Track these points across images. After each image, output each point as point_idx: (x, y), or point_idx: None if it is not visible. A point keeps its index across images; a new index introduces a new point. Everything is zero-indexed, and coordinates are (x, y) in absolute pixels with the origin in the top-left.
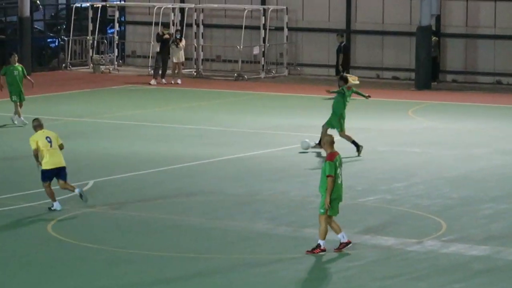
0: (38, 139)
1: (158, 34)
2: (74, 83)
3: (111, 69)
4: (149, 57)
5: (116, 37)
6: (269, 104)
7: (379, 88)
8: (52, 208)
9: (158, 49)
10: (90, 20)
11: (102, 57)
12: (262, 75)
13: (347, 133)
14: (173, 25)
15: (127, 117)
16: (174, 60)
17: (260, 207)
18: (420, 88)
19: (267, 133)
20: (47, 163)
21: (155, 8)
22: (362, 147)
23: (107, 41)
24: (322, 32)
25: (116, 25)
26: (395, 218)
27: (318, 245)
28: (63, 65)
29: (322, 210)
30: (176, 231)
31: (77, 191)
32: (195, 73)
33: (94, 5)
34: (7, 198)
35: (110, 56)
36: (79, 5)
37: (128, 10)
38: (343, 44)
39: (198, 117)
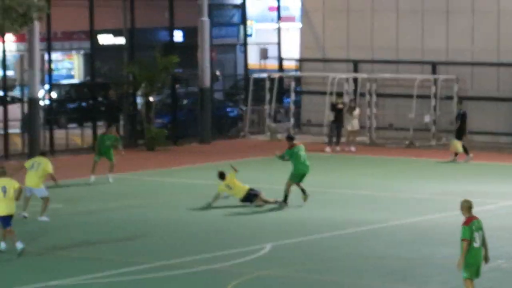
0: None
1: (332, 103)
2: (251, 150)
3: None
4: (323, 125)
5: (292, 106)
6: (439, 171)
7: None
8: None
9: (332, 118)
10: (267, 90)
11: (278, 126)
12: (433, 142)
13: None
14: (347, 94)
15: (302, 183)
16: (348, 128)
17: (432, 271)
18: None
19: (438, 199)
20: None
21: (330, 78)
22: (287, 204)
23: (283, 110)
24: (491, 101)
25: (292, 94)
26: None
27: None
28: (242, 133)
29: (464, 274)
30: None
31: (18, 245)
32: (368, 141)
33: (271, 76)
34: (182, 263)
35: (286, 124)
36: (257, 76)
37: (304, 80)
38: (462, 111)
39: (371, 183)
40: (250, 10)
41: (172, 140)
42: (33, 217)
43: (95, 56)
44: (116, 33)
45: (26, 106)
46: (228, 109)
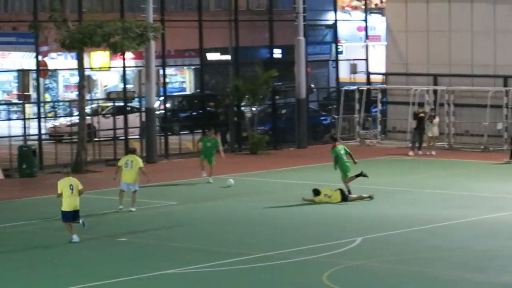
0: (62, 185)
1: (414, 112)
2: None
3: (375, 142)
4: (407, 132)
5: (379, 115)
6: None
7: None
8: (72, 241)
9: (414, 125)
10: (356, 100)
11: (367, 132)
12: (505, 147)
13: None
14: (428, 104)
15: (388, 183)
16: (429, 135)
17: (506, 261)
18: None
19: (510, 197)
20: (67, 206)
21: (412, 90)
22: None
23: (371, 118)
24: None
25: (379, 104)
26: None
27: None
28: None
29: None
30: (433, 283)
31: (81, 221)
32: (447, 146)
33: (360, 88)
34: (280, 254)
35: (374, 131)
36: (347, 88)
37: (389, 92)
38: None
39: (449, 183)
40: (341, 30)
41: (272, 145)
42: (138, 213)
43: (204, 71)
44: (223, 51)
45: (143, 115)
46: (322, 118)
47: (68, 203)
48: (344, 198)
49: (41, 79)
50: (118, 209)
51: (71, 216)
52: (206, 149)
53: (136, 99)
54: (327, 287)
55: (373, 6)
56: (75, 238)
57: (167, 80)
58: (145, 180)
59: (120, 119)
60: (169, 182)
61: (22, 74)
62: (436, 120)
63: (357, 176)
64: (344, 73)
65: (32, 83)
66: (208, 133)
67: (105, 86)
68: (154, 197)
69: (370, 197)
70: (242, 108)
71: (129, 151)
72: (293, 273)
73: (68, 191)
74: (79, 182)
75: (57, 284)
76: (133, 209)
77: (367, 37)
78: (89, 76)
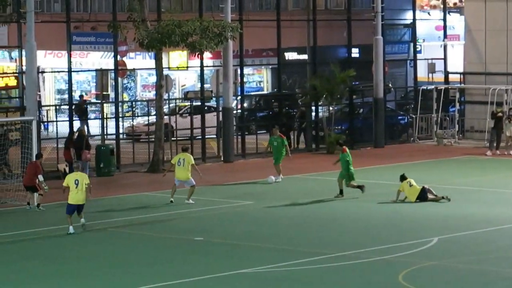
0: (69, 180)
1: (492, 112)
2: (420, 154)
3: (452, 142)
4: (485, 131)
5: (457, 115)
6: None
7: None
8: (68, 232)
9: (492, 125)
10: (434, 100)
11: (444, 132)
12: None
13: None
14: (506, 104)
15: (465, 183)
16: (508, 134)
17: None
18: None
19: None
20: (71, 199)
21: (491, 89)
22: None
23: (449, 118)
24: None
25: (457, 104)
26: None
27: None
28: (411, 139)
29: None
30: (510, 283)
31: (82, 220)
32: None
33: (438, 87)
34: (357, 253)
35: (451, 131)
36: (425, 87)
37: (467, 91)
38: None
39: None
40: (419, 29)
41: (349, 145)
42: (210, 212)
43: (282, 71)
44: (300, 50)
45: (221, 114)
46: (399, 117)
47: (72, 197)
48: (424, 198)
49: (119, 79)
50: (169, 202)
51: (74, 209)
52: (274, 149)
53: (214, 98)
54: (403, 287)
55: (451, 5)
56: (71, 229)
57: (244, 79)
58: (198, 177)
59: (197, 118)
60: (246, 181)
61: (101, 73)
62: None
63: (358, 186)
64: (422, 73)
65: (110, 82)
66: (273, 132)
67: (183, 85)
68: (231, 197)
69: (444, 198)
70: (320, 108)
71: (182, 149)
72: (369, 272)
73: (73, 185)
74: (86, 177)
75: (133, 282)
76: (191, 201)
77: (445, 36)
78: (167, 76)
